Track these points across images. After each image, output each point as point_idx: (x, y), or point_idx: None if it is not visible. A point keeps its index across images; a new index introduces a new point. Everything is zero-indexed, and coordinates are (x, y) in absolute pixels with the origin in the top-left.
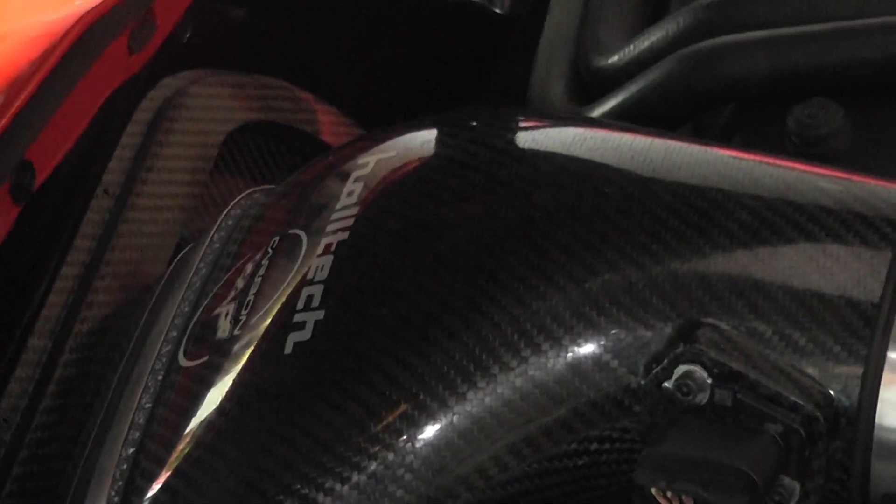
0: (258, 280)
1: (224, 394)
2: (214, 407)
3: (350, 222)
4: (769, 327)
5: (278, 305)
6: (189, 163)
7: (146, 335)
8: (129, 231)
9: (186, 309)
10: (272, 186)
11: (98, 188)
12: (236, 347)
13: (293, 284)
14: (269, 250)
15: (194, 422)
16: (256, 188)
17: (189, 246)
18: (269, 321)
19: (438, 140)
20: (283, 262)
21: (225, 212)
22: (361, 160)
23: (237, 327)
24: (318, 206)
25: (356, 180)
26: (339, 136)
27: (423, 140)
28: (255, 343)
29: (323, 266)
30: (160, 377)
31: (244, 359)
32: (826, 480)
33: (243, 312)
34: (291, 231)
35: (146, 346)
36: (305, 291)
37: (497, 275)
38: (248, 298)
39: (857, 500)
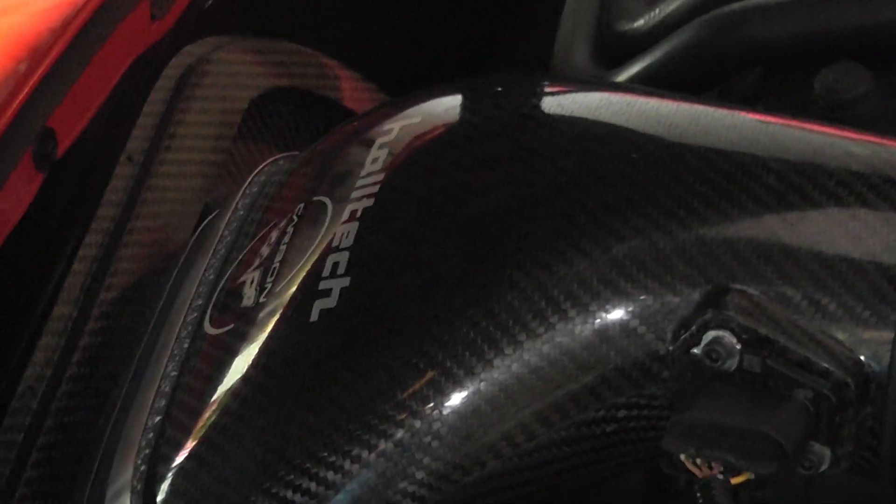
0: (283, 247)
1: (250, 362)
2: (240, 375)
3: (375, 189)
4: (798, 292)
5: (304, 273)
6: (213, 129)
7: (171, 303)
8: (153, 199)
9: (211, 276)
10: (296, 153)
11: (122, 155)
12: (262, 315)
13: (318, 252)
14: (294, 217)
15: (220, 390)
16: (281, 155)
17: (214, 213)
18: (294, 288)
19: (463, 106)
20: (308, 229)
21: (249, 179)
22: (386, 127)
23: (262, 295)
24: (343, 173)
25: (381, 147)
26: (364, 103)
27: (448, 106)
28: (281, 311)
29: (348, 233)
30: (186, 345)
31: (270, 326)
32: (856, 447)
33: (268, 280)
34: (316, 198)
35: (171, 314)
36: (331, 259)
37: (523, 241)
38: (273, 266)
39: (887, 465)
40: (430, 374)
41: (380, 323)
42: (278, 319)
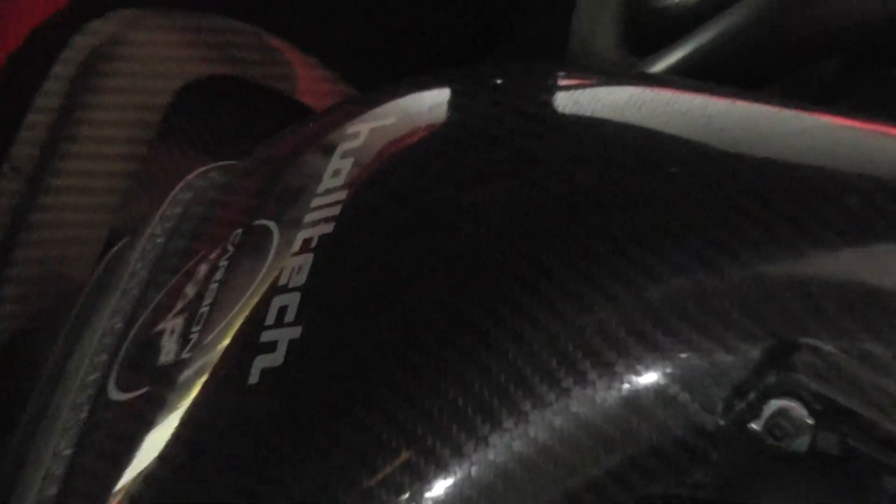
0: (214, 287)
1: (169, 437)
2: (156, 455)
3: (336, 211)
4: (889, 350)
5: (241, 320)
6: (124, 131)
7: (66, 359)
8: (44, 221)
9: (119, 324)
10: (233, 163)
11: (4, 165)
12: (185, 375)
13: (261, 292)
14: (229, 247)
15: (128, 474)
16: (212, 165)
17: (123, 241)
18: (228, 341)
19: (453, 104)
20: (247, 262)
21: (171, 196)
22: (351, 129)
23: (186, 349)
24: (294, 190)
25: (344, 156)
26: (322, 98)
27: (433, 103)
28: (211, 370)
29: (300, 268)
30: (84, 415)
31: (195, 391)
32: None
33: (194, 329)
34: (259, 222)
35: (66, 373)
36: (277, 302)
37: (529, 281)
38: (200, 311)
39: None
40: (405, 455)
41: (340, 387)
42: (207, 381)
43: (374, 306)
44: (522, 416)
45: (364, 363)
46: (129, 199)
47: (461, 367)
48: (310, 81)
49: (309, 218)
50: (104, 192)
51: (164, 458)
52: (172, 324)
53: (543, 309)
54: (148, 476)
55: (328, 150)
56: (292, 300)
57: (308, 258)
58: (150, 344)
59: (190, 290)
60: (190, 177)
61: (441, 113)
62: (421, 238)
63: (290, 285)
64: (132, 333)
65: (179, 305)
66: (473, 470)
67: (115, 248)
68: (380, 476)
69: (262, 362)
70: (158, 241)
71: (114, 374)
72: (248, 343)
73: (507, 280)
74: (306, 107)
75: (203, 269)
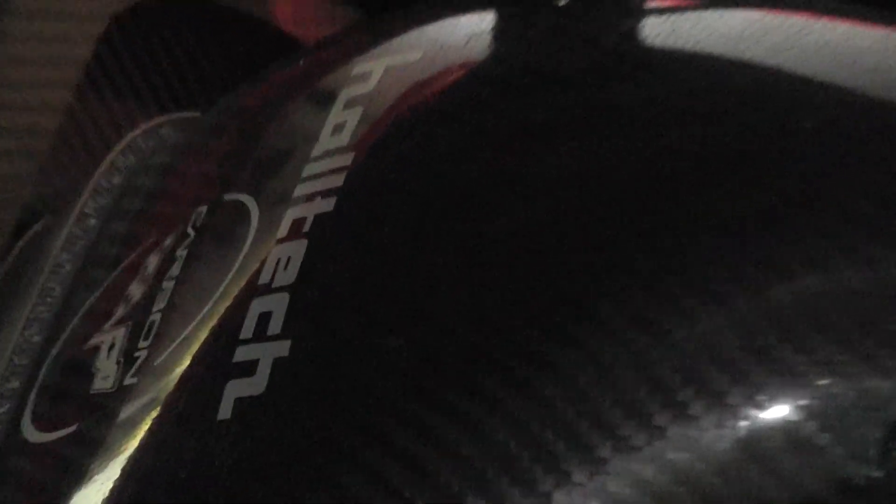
0: (169, 285)
1: (107, 495)
2: None
3: (337, 181)
4: None
5: (206, 332)
6: (39, 73)
7: None
8: None
9: (36, 338)
10: (192, 115)
11: None
12: (129, 408)
13: (234, 293)
14: (189, 231)
15: None
16: (163, 118)
17: (40, 223)
18: (189, 361)
19: (501, 33)
20: (214, 252)
21: (106, 161)
22: (359, 68)
23: (131, 371)
24: (280, 152)
25: (349, 105)
26: (314, 24)
27: (472, 32)
28: (165, 400)
29: (288, 260)
30: None
31: (143, 429)
32: None
33: (142, 345)
34: (230, 196)
35: None
36: (257, 306)
37: (604, 281)
38: (150, 319)
39: None
40: None
41: (340, 423)
42: (160, 417)
43: (388, 314)
44: (598, 464)
45: (374, 393)
46: (49, 165)
47: (514, 404)
48: (295, 2)
49: (300, 191)
50: (13, 156)
51: None
52: (111, 336)
53: (623, 321)
54: None
55: (326, 98)
56: (278, 304)
57: (299, 246)
58: (79, 365)
59: (135, 291)
60: (133, 134)
61: (484, 46)
62: (457, 223)
63: (275, 284)
64: (54, 350)
65: (120, 312)
66: None
67: (30, 233)
68: None
69: (236, 390)
70: (90, 223)
71: (29, 407)
72: (218, 363)
73: (574, 282)
74: (290, 37)
75: (153, 261)
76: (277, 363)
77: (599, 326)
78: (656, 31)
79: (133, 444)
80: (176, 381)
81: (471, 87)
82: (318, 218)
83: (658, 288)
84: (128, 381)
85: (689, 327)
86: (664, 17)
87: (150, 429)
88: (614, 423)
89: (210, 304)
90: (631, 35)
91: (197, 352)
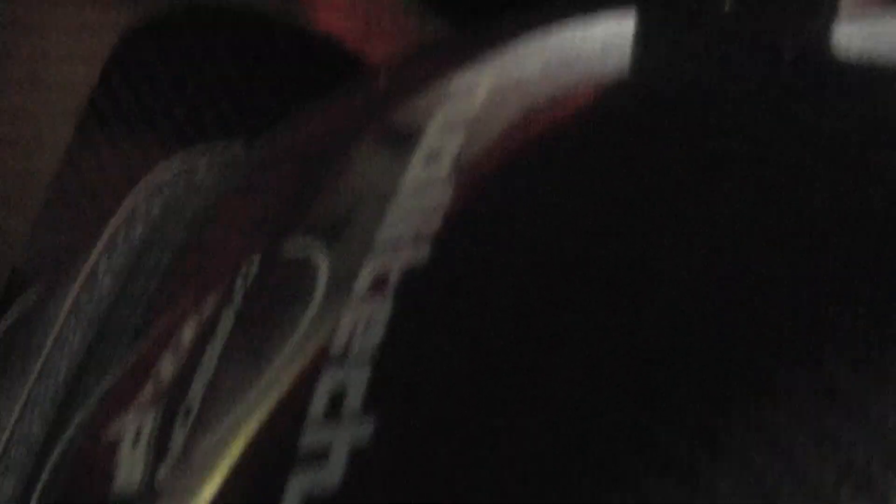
0: (211, 358)
1: None
2: None
3: (433, 225)
4: None
5: (261, 413)
6: (37, 106)
7: None
8: None
9: (38, 427)
10: (230, 146)
11: None
12: None
13: (297, 365)
14: (237, 291)
15: None
16: (192, 153)
17: (35, 286)
18: (239, 449)
19: (648, 39)
20: (270, 315)
21: (123, 209)
22: (457, 85)
23: (165, 465)
24: (354, 191)
25: (447, 129)
26: (383, 38)
27: (608, 38)
28: (210, 500)
29: (368, 324)
30: None
31: None
32: None
33: (178, 431)
34: (289, 245)
35: None
36: (328, 380)
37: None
38: (187, 400)
39: None
40: None
41: None
42: None
43: (505, 394)
44: None
45: (485, 495)
46: (43, 219)
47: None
48: (354, 11)
49: (382, 237)
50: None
51: None
52: (137, 423)
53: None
54: None
55: (415, 122)
56: (356, 378)
57: (383, 308)
58: (96, 460)
59: (166, 367)
60: (153, 175)
61: (626, 55)
62: (595, 285)
63: (352, 353)
64: (61, 443)
65: (148, 393)
66: None
67: (21, 299)
68: None
69: (303, 483)
70: (105, 284)
71: None
72: (278, 451)
73: (766, 360)
74: (353, 53)
75: (188, 329)
76: (355, 452)
77: (796, 412)
78: (856, 33)
79: None
80: (224, 475)
81: (611, 106)
82: (407, 273)
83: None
84: (160, 475)
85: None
86: (864, 19)
87: None
88: None
89: (265, 379)
90: (822, 40)
91: (249, 438)
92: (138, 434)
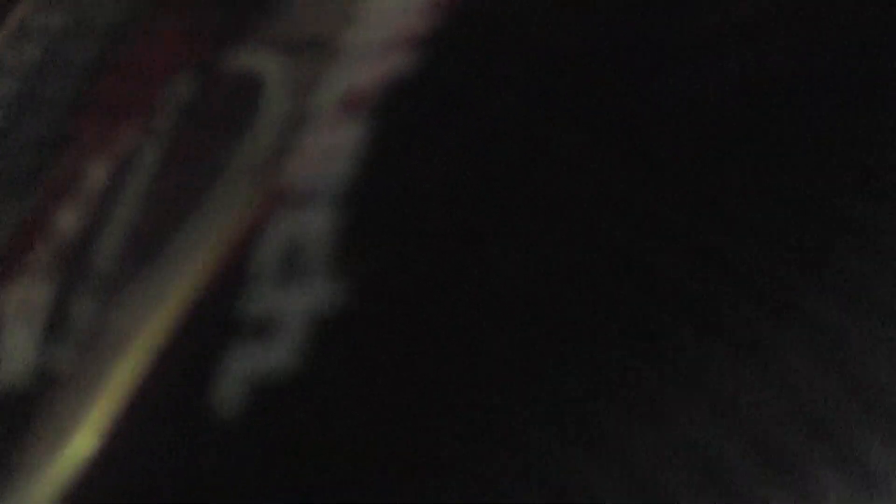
0: (126, 205)
1: None
2: None
3: (419, 29)
4: None
5: (193, 276)
6: None
7: None
8: None
9: None
10: None
11: None
12: (61, 404)
13: (237, 207)
14: (161, 118)
15: None
16: None
17: None
18: (160, 319)
19: None
20: (203, 147)
21: (8, 25)
22: None
23: (63, 344)
24: None
25: None
26: None
27: None
28: (120, 384)
29: (336, 153)
30: None
31: (86, 434)
32: None
33: (82, 299)
34: (229, 56)
35: None
36: (280, 229)
37: None
38: (93, 259)
39: None
40: None
41: (414, 417)
42: (112, 411)
43: (512, 243)
44: None
45: (470, 374)
46: None
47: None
48: None
49: (355, 41)
50: None
51: None
52: (26, 293)
53: None
54: None
55: None
56: (318, 226)
57: (355, 132)
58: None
59: (67, 219)
60: None
61: None
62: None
63: (312, 193)
64: None
65: (44, 252)
66: None
67: None
68: None
69: (244, 362)
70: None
71: None
72: (213, 321)
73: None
74: None
75: (97, 171)
76: (317, 320)
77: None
78: None
79: (66, 463)
80: (143, 353)
81: None
82: (387, 85)
83: None
84: (59, 360)
85: None
86: None
87: (95, 431)
88: None
89: (198, 230)
90: None
91: (177, 305)
92: (24, 309)
